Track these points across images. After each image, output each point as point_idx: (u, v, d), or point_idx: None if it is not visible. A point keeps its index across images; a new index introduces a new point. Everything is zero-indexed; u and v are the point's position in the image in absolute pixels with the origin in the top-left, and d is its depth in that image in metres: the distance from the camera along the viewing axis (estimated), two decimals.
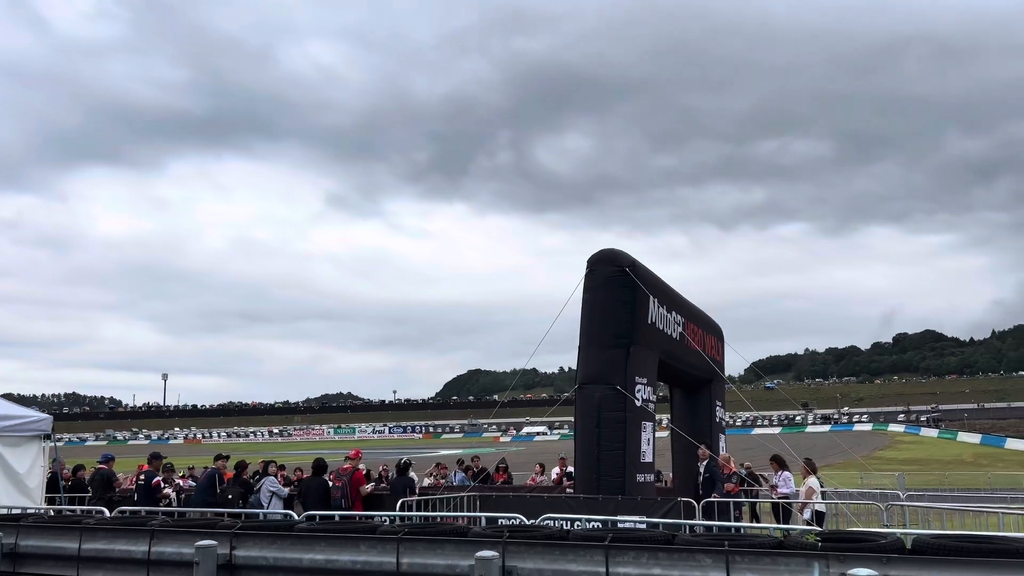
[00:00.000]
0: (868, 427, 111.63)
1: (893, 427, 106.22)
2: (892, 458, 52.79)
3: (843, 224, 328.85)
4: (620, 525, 9.05)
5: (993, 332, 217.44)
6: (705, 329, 16.44)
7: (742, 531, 9.52)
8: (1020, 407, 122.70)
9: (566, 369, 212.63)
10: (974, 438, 78.24)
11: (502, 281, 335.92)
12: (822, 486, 13.98)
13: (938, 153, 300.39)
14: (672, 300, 14.21)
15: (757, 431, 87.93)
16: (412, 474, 15.21)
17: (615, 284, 12.31)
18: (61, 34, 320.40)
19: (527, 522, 8.47)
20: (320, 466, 13.62)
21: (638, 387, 12.21)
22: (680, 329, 14.44)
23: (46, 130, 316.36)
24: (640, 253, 12.88)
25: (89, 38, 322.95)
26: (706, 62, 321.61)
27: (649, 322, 12.81)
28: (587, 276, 12.52)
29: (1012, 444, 67.70)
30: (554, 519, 8.81)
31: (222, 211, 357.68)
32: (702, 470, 12.54)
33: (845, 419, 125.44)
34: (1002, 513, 9.98)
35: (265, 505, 12.74)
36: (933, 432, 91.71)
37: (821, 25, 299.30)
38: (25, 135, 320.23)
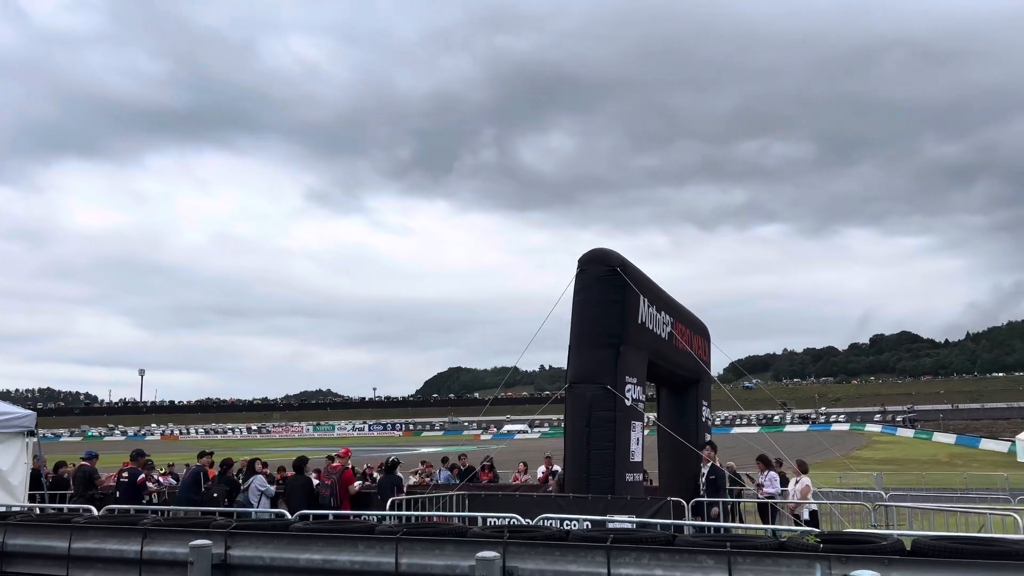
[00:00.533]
0: (845, 427, 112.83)
1: (870, 427, 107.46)
2: (869, 458, 53.37)
3: (822, 226, 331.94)
4: (612, 524, 9.07)
5: (967, 334, 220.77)
6: (693, 329, 16.50)
7: (731, 531, 9.57)
8: (993, 408, 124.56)
9: (547, 367, 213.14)
10: (949, 438, 79.28)
11: (483, 279, 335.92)
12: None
13: (916, 156, 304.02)
14: (661, 300, 14.25)
15: (736, 430, 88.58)
16: (398, 472, 15.15)
17: (606, 284, 12.30)
18: (39, 24, 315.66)
19: (523, 522, 8.47)
20: (300, 465, 13.53)
21: (628, 387, 12.22)
22: (669, 329, 14.48)
23: (23, 121, 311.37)
24: (622, 252, 12.87)
25: (67, 29, 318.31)
26: (689, 63, 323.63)
27: (639, 322, 12.82)
28: (578, 276, 12.50)
29: (986, 444, 68.66)
30: (551, 519, 8.80)
31: (201, 206, 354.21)
32: (706, 472, 12.50)
33: (823, 419, 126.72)
34: (989, 514, 10.11)
35: (255, 504, 12.63)
36: (909, 432, 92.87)
37: (803, 28, 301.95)
38: (1, 126, 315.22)
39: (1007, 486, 27.65)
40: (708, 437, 17.80)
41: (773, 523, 13.27)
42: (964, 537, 5.41)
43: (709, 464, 12.60)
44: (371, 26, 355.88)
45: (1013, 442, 59.45)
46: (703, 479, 12.46)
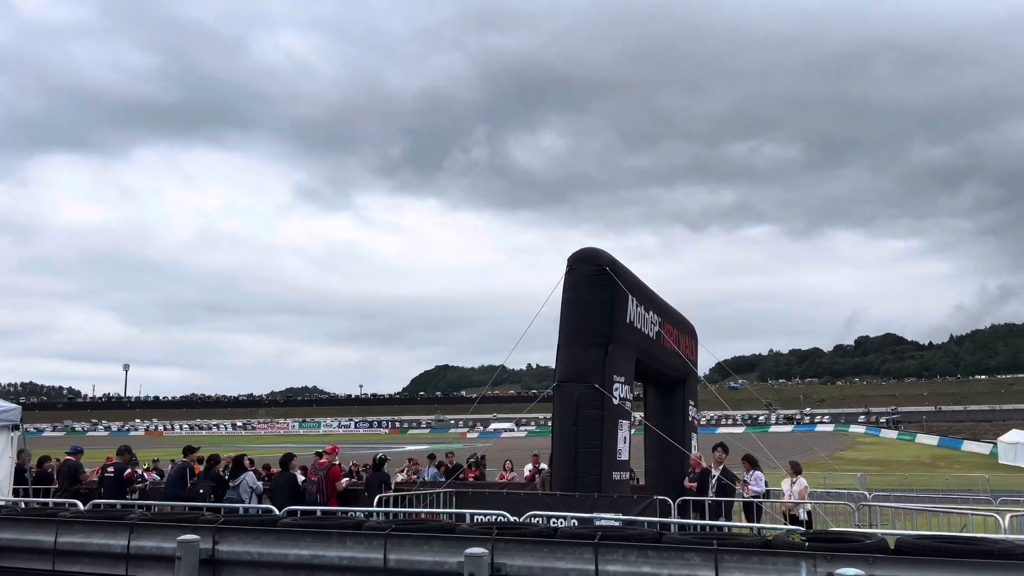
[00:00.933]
0: (830, 428, 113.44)
1: (854, 428, 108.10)
2: (853, 458, 53.75)
3: (810, 227, 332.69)
4: (599, 522, 9.11)
5: (951, 337, 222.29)
6: (680, 329, 16.58)
7: (720, 530, 9.63)
8: (976, 410, 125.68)
9: (534, 366, 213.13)
10: (932, 440, 79.96)
11: (472, 277, 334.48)
12: None
13: (905, 159, 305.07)
14: (649, 300, 14.32)
15: (722, 430, 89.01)
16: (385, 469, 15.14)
17: (595, 283, 12.36)
18: (26, 17, 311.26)
19: (510, 519, 8.50)
20: (286, 461, 13.50)
21: (616, 386, 12.29)
22: (657, 328, 14.56)
23: (9, 114, 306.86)
24: (612, 252, 12.92)
25: (55, 22, 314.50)
26: (681, 64, 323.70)
27: (627, 321, 12.89)
28: (567, 275, 12.55)
29: (968, 446, 69.31)
30: (538, 516, 8.83)
31: (190, 201, 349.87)
32: (717, 474, 12.48)
33: (807, 419, 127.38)
34: (971, 514, 10.22)
35: (247, 501, 12.59)
36: (893, 433, 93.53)
37: (795, 30, 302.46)
38: None
39: (988, 487, 27.93)
40: (695, 437, 17.91)
41: (759, 522, 13.35)
42: (947, 537, 5.48)
43: (721, 467, 12.57)
44: (362, 23, 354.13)
45: (995, 444, 60.17)
46: (712, 480, 12.38)
